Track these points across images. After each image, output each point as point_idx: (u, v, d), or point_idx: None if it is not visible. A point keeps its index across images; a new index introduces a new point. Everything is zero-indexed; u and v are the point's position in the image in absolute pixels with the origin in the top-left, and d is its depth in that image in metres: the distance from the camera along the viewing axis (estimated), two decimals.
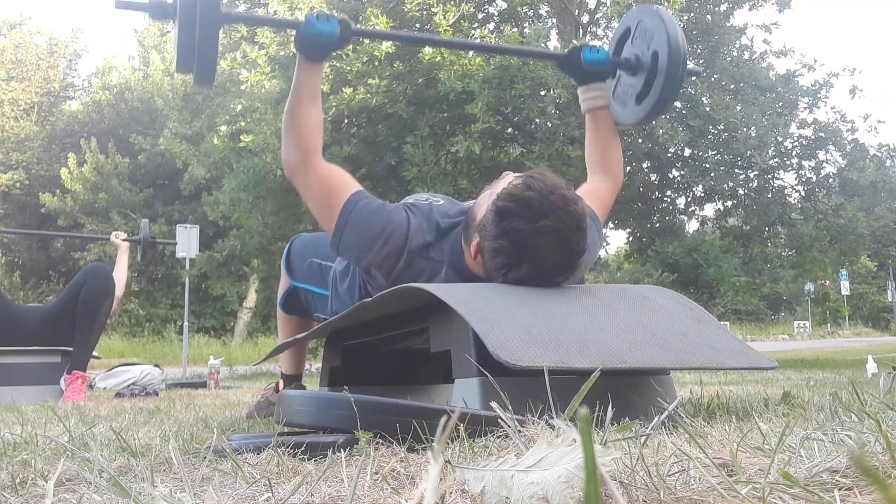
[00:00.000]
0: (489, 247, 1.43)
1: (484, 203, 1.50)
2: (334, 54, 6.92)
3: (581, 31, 8.51)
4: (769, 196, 8.12)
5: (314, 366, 6.65)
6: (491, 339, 1.14)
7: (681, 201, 8.90)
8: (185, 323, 10.14)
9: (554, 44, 8.74)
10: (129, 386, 4.39)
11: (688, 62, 1.82)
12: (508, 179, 1.51)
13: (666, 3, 7.20)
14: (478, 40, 7.80)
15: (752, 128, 7.41)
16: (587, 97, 1.93)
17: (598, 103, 1.92)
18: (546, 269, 1.41)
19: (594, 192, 1.85)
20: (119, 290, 4.28)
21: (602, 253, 10.01)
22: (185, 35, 1.61)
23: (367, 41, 6.70)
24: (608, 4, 7.87)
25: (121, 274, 4.24)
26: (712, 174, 7.74)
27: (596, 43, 1.94)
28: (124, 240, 4.35)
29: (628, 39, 1.97)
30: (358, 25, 6.97)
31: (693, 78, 7.67)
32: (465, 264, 1.54)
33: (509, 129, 7.90)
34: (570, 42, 6.91)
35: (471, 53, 7.33)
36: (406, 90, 7.09)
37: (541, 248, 1.39)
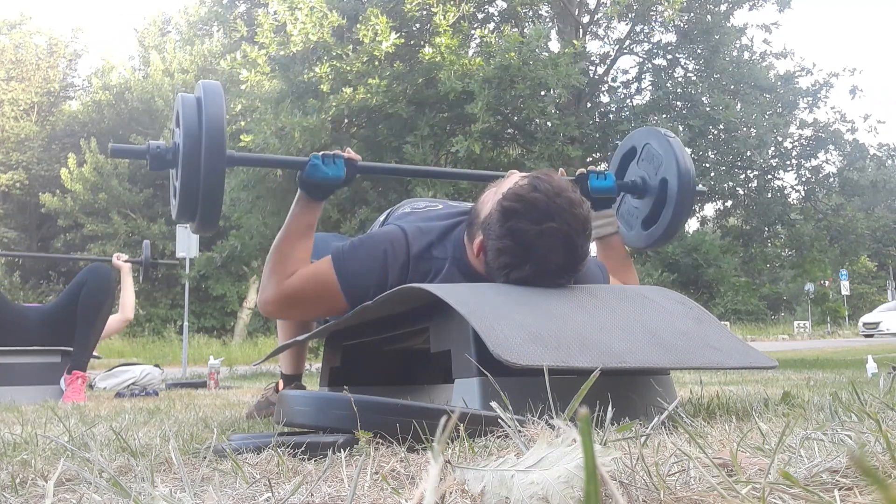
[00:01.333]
0: (493, 246, 1.44)
1: (489, 200, 1.50)
2: (335, 53, 6.94)
3: (581, 31, 8.51)
4: (769, 196, 8.12)
5: (314, 366, 6.65)
6: (491, 338, 1.14)
7: None
8: (185, 323, 10.14)
9: (554, 44, 8.75)
10: (129, 386, 4.39)
11: (695, 189, 1.81)
12: (514, 179, 1.51)
13: (666, 3, 7.21)
14: (477, 39, 7.80)
15: (752, 128, 7.41)
16: (596, 225, 1.89)
17: (607, 231, 1.89)
18: (549, 271, 1.41)
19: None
20: (129, 312, 4.29)
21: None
22: (188, 184, 1.49)
23: (367, 40, 6.70)
24: (608, 4, 7.87)
25: (128, 297, 4.25)
26: (712, 174, 7.74)
27: (601, 168, 1.93)
28: (126, 261, 4.35)
29: (634, 159, 1.95)
30: (357, 26, 6.95)
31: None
32: (467, 261, 1.54)
33: (509, 129, 7.90)
34: (571, 42, 6.92)
35: (471, 53, 7.34)
36: (406, 90, 7.09)
37: (545, 250, 1.39)
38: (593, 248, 1.74)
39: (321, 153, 1.65)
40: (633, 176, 1.94)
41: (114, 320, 4.35)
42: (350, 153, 1.67)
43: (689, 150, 8.26)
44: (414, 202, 1.91)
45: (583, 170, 1.88)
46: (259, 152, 7.30)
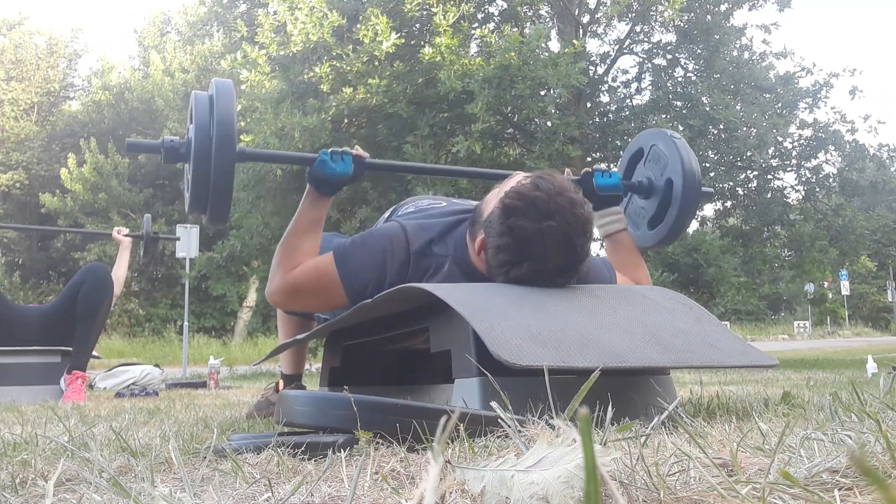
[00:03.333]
0: (493, 243, 1.44)
1: (492, 200, 1.51)
2: (335, 53, 6.94)
3: (581, 30, 8.51)
4: (769, 196, 8.12)
5: (314, 366, 6.65)
6: (491, 338, 1.14)
7: None
8: (185, 323, 10.15)
9: (554, 44, 8.75)
10: (129, 386, 4.39)
11: (701, 189, 1.84)
12: (518, 178, 1.51)
13: (666, 3, 7.21)
14: (478, 39, 7.80)
15: (752, 128, 7.41)
16: (603, 223, 1.91)
17: (615, 228, 1.90)
18: (547, 270, 1.41)
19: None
20: (118, 286, 4.26)
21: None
22: (199, 177, 1.55)
23: (367, 40, 6.70)
24: (608, 4, 7.87)
25: (121, 271, 4.22)
26: (712, 174, 7.74)
27: (603, 167, 1.95)
28: (126, 235, 4.33)
29: (641, 161, 1.98)
30: (357, 26, 6.95)
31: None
32: (469, 260, 1.54)
33: (509, 129, 7.90)
34: (571, 42, 6.91)
35: (472, 52, 7.34)
36: (406, 90, 7.09)
37: (544, 248, 1.39)
38: (596, 248, 1.74)
39: (329, 150, 1.68)
40: (640, 176, 1.96)
41: None
42: (358, 150, 1.70)
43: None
44: (417, 199, 1.91)
45: (588, 169, 1.90)
46: None
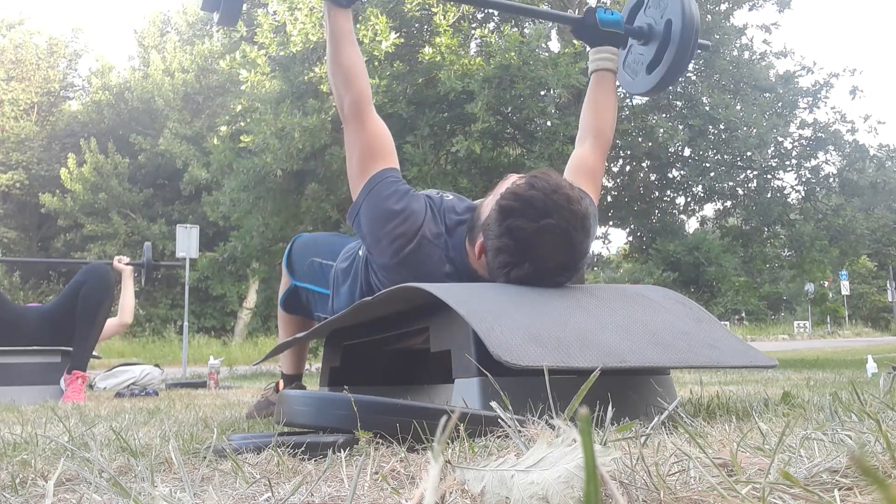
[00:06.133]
0: (492, 245, 1.44)
1: (488, 204, 1.50)
2: None
3: None
4: (769, 196, 8.12)
5: (314, 366, 6.65)
6: (491, 338, 1.14)
7: (681, 201, 8.91)
8: (185, 323, 10.15)
9: (554, 44, 8.75)
10: (129, 386, 4.39)
11: (699, 34, 1.84)
12: (512, 179, 1.51)
13: None
14: (477, 39, 7.80)
15: (752, 127, 7.42)
16: (597, 58, 1.95)
17: (606, 65, 1.94)
18: (548, 269, 1.41)
19: (583, 163, 1.85)
20: (127, 317, 4.28)
21: (603, 252, 10.01)
22: None
23: (366, 40, 6.70)
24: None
25: (127, 300, 4.24)
26: (712, 174, 7.74)
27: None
28: (127, 264, 4.33)
29: (641, 9, 1.98)
30: (357, 26, 6.94)
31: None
32: (468, 265, 1.54)
33: (509, 129, 7.90)
34: (571, 42, 6.91)
35: (471, 52, 7.33)
36: (406, 90, 7.09)
37: (544, 247, 1.38)
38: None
39: None
40: (640, 23, 1.97)
41: (111, 324, 4.34)
42: None
43: (688, 150, 8.23)
44: (427, 191, 1.91)
45: (590, 5, 1.91)
46: (259, 152, 7.30)
